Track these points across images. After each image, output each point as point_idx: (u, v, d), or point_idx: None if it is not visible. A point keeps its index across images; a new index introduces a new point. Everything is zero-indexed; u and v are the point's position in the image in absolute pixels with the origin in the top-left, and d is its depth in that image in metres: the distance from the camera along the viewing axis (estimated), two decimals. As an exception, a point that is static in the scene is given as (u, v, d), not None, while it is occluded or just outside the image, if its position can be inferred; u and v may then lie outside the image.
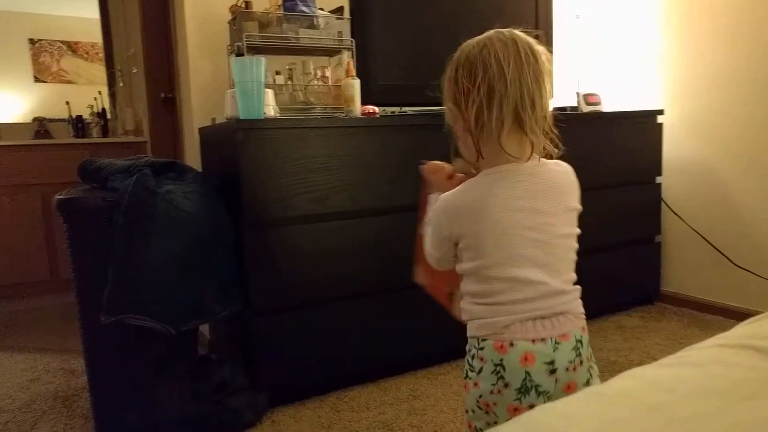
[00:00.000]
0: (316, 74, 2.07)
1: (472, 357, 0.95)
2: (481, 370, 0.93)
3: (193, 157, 2.34)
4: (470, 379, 0.95)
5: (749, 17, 2.32)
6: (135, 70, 3.42)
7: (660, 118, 2.60)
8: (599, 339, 2.31)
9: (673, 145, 2.64)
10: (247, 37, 1.89)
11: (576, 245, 0.97)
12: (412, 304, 1.93)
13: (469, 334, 0.97)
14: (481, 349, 0.93)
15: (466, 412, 0.99)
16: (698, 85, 2.53)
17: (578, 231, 0.97)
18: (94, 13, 4.07)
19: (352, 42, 2.03)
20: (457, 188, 0.96)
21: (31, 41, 4.31)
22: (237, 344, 1.95)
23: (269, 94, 1.81)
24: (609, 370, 2.02)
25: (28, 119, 4.01)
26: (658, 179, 2.65)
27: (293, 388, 1.85)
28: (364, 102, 1.95)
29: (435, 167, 1.09)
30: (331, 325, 1.86)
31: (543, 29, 2.41)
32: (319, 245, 1.81)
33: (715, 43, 2.45)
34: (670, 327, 2.43)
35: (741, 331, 0.89)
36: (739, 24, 2.36)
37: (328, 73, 2.08)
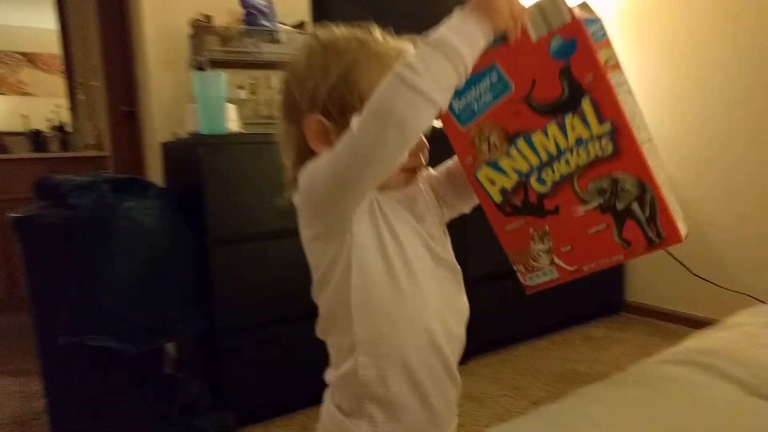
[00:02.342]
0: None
1: None
2: None
3: (156, 172, 2.29)
4: None
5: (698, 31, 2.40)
6: (95, 83, 3.34)
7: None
8: (567, 350, 2.34)
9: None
10: (208, 52, 1.87)
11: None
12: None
13: None
14: None
15: None
16: (653, 96, 2.59)
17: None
18: (53, 23, 3.96)
19: (316, 56, 2.03)
20: None
21: (-14, 52, 4.20)
22: (203, 362, 1.91)
23: (231, 108, 1.79)
24: (578, 381, 2.04)
25: (-17, 133, 3.89)
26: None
27: (261, 406, 1.82)
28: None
29: None
30: (299, 342, 1.82)
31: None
32: (285, 261, 1.78)
33: (660, 59, 2.52)
34: (635, 337, 2.47)
35: (689, 345, 0.94)
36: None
37: (292, 87, 2.07)
